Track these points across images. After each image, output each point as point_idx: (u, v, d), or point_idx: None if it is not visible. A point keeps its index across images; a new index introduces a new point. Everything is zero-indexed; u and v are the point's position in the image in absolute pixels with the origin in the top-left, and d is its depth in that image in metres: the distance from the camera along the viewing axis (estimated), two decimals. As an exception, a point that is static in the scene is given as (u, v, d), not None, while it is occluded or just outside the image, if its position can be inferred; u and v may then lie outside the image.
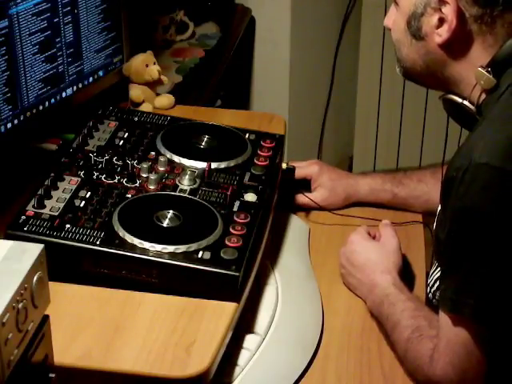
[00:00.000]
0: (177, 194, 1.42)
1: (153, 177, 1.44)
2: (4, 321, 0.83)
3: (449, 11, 1.27)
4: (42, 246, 0.93)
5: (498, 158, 1.16)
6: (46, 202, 1.35)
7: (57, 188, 1.39)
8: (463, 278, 1.20)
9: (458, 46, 1.31)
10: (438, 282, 1.36)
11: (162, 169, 1.48)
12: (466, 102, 1.33)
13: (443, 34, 1.30)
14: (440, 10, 1.29)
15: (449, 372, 1.23)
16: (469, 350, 1.21)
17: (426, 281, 1.46)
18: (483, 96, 1.31)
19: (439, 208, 1.35)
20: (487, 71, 1.28)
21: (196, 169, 1.49)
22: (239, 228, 1.34)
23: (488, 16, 1.27)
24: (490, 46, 1.29)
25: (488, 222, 1.17)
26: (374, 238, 1.53)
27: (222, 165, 1.51)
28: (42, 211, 1.33)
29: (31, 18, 1.54)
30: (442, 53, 1.33)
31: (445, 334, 1.23)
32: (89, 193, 1.39)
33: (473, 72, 1.30)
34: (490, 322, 1.20)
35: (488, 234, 1.18)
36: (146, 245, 1.28)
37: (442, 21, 1.29)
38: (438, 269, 1.37)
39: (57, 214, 1.33)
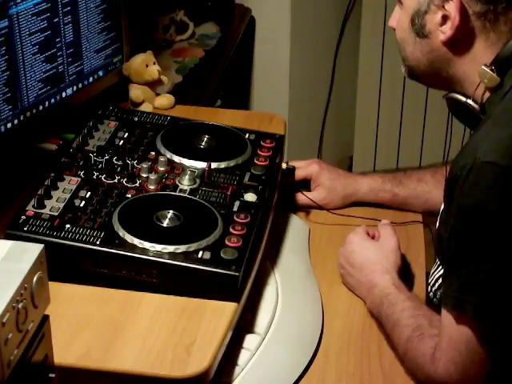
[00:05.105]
0: (177, 194, 1.42)
1: (153, 177, 1.44)
2: (4, 321, 0.83)
3: (452, 8, 1.28)
4: (41, 245, 0.93)
5: (503, 156, 1.16)
6: (46, 202, 1.35)
7: (57, 188, 1.39)
8: (466, 277, 1.20)
9: (461, 43, 1.31)
10: (439, 281, 1.36)
11: (162, 169, 1.48)
12: (469, 101, 1.33)
13: (447, 31, 1.30)
14: (443, 7, 1.29)
15: (451, 370, 1.22)
16: (471, 348, 1.21)
17: (427, 280, 1.46)
18: (487, 94, 1.31)
19: (442, 207, 1.34)
20: (491, 69, 1.28)
21: (196, 169, 1.49)
22: (239, 228, 1.34)
23: (491, 13, 1.27)
24: (493, 44, 1.29)
25: (492, 220, 1.17)
26: (373, 237, 1.53)
27: (222, 165, 1.51)
28: (41, 211, 1.33)
29: (31, 18, 1.54)
30: (446, 50, 1.32)
31: (447, 332, 1.23)
32: (89, 193, 1.39)
33: (476, 70, 1.30)
34: (493, 321, 1.20)
35: (492, 233, 1.17)
36: (146, 245, 1.28)
37: (445, 18, 1.29)
38: (440, 268, 1.36)
39: (57, 214, 1.33)
